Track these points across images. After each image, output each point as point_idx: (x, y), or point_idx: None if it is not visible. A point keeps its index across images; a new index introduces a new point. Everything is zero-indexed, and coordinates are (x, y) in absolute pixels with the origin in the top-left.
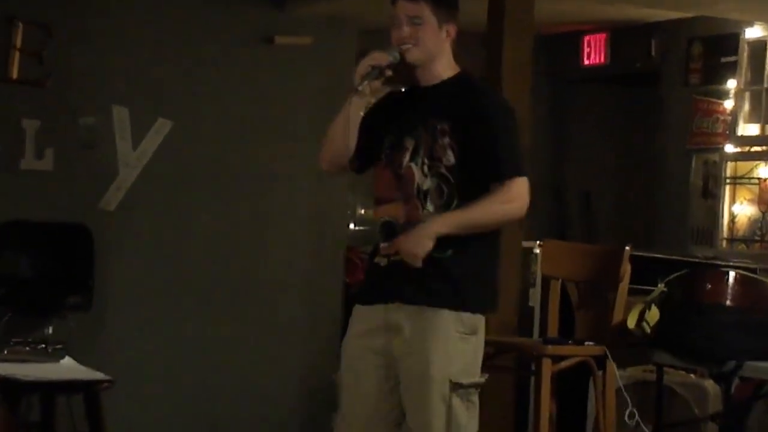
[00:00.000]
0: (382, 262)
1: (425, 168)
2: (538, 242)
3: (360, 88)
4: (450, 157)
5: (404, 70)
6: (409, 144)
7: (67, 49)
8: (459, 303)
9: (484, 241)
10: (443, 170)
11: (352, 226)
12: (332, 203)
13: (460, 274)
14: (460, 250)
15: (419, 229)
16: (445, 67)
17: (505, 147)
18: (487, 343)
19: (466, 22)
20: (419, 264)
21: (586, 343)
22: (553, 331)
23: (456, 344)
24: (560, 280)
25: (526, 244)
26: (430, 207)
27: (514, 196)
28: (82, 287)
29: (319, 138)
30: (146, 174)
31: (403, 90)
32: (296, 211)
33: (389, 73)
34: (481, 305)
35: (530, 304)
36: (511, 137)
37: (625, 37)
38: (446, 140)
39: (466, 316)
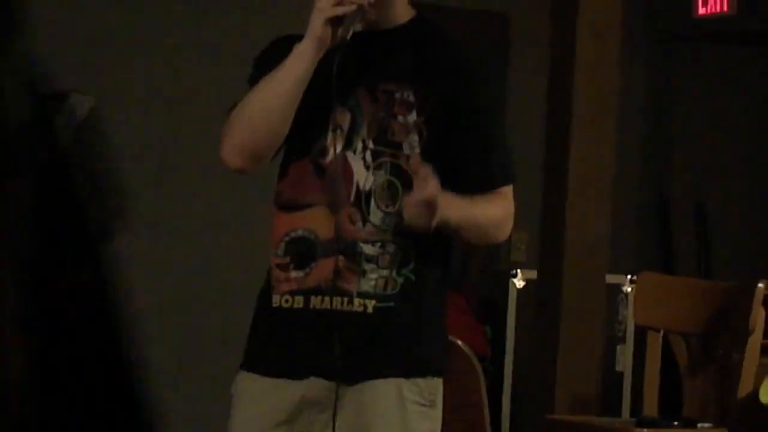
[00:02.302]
0: (293, 303)
1: (369, 157)
2: (629, 277)
3: (348, 37)
4: (413, 141)
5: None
6: (343, 120)
7: None
8: (413, 364)
9: (437, 272)
10: (402, 161)
11: None
12: None
13: (411, 325)
14: (411, 291)
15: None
16: (402, 6)
17: (498, 142)
18: (554, 427)
19: None
20: (430, 226)
21: (700, 425)
22: (651, 407)
23: (413, 424)
24: (662, 333)
25: (611, 278)
26: (374, 218)
27: (509, 211)
28: None
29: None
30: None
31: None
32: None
33: (372, 16)
34: (440, 364)
35: (618, 368)
36: (502, 124)
37: None
38: (410, 117)
39: (424, 382)
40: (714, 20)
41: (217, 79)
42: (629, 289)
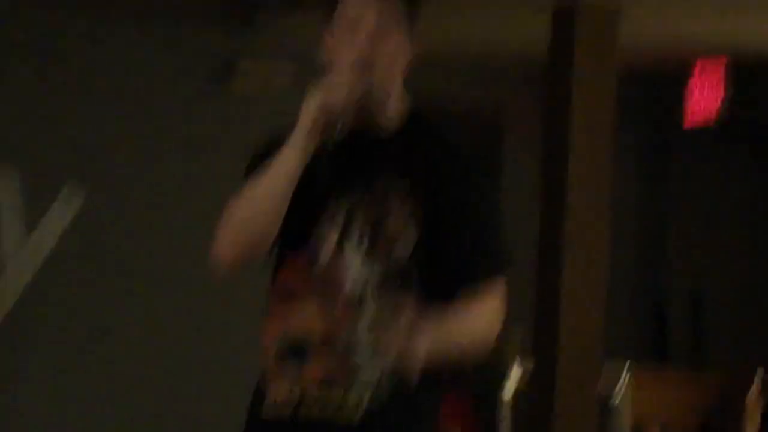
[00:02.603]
0: (281, 412)
1: (363, 255)
2: (625, 368)
3: (337, 135)
4: (410, 237)
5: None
6: (338, 214)
7: None
8: None
9: (430, 373)
10: (397, 258)
11: None
12: None
13: (404, 426)
14: (404, 391)
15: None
16: (397, 103)
17: (491, 232)
18: None
19: (513, 47)
20: (416, 372)
21: None
22: None
23: None
24: (659, 427)
25: (606, 371)
26: (369, 315)
27: (499, 306)
28: None
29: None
30: (49, 267)
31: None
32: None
33: (363, 111)
34: None
35: None
36: (497, 214)
37: (752, 70)
38: (405, 211)
39: None
40: (707, 118)
41: (212, 170)
42: (626, 381)
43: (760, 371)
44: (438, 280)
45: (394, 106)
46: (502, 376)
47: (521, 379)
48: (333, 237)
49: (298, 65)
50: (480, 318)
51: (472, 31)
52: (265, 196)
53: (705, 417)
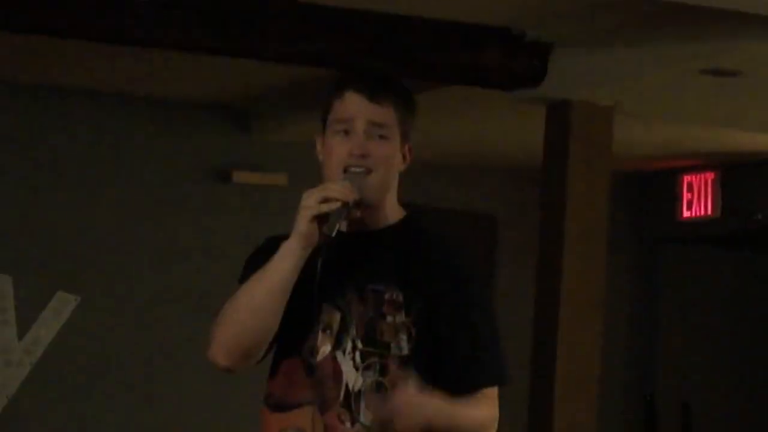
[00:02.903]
0: None
1: (358, 357)
2: None
3: (333, 234)
4: (403, 343)
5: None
6: (332, 319)
7: None
8: None
9: None
10: (391, 362)
11: None
12: None
13: None
14: None
15: (403, 396)
16: (392, 208)
17: (486, 341)
18: None
19: (506, 153)
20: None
21: None
22: None
23: None
24: None
25: None
26: (365, 419)
27: (493, 415)
28: None
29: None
30: (39, 374)
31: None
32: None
33: (358, 214)
34: None
35: None
36: (492, 324)
37: (741, 177)
38: (399, 317)
39: None
40: (698, 223)
41: (206, 278)
42: None
43: None
44: (431, 387)
45: (388, 210)
46: None
47: None
48: (327, 344)
49: (290, 174)
50: (477, 411)
51: (468, 130)
52: (260, 296)
53: None
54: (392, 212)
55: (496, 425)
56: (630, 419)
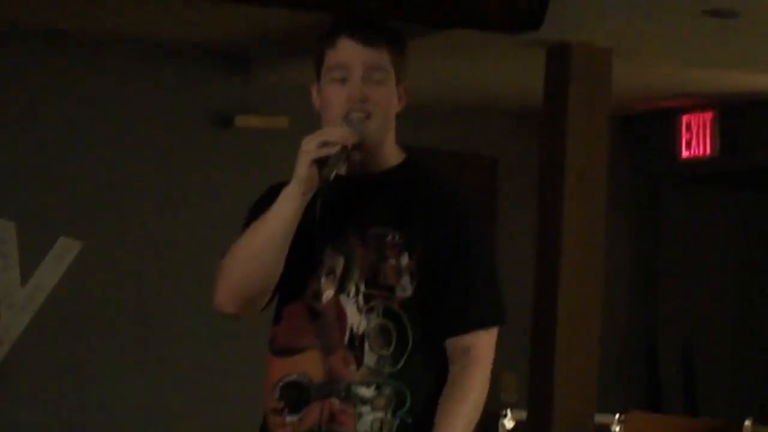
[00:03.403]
0: None
1: (361, 300)
2: (617, 416)
3: (331, 178)
4: (406, 285)
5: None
6: (336, 263)
7: None
8: None
9: (433, 414)
10: (393, 305)
11: None
12: None
13: None
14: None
15: None
16: (391, 150)
17: (484, 281)
18: None
19: (506, 96)
20: None
21: None
22: None
23: None
24: None
25: (599, 418)
26: (369, 360)
27: (485, 366)
28: None
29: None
30: (42, 319)
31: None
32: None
33: (357, 157)
34: None
35: None
36: (491, 264)
37: (740, 116)
38: (402, 259)
39: None
40: (697, 162)
41: (208, 224)
42: (618, 429)
43: (749, 422)
44: (431, 327)
45: (387, 152)
46: (495, 427)
47: (514, 430)
48: (330, 287)
49: (291, 117)
50: (472, 395)
51: (468, 73)
52: (262, 242)
53: None
54: (391, 154)
55: (485, 388)
56: (631, 361)
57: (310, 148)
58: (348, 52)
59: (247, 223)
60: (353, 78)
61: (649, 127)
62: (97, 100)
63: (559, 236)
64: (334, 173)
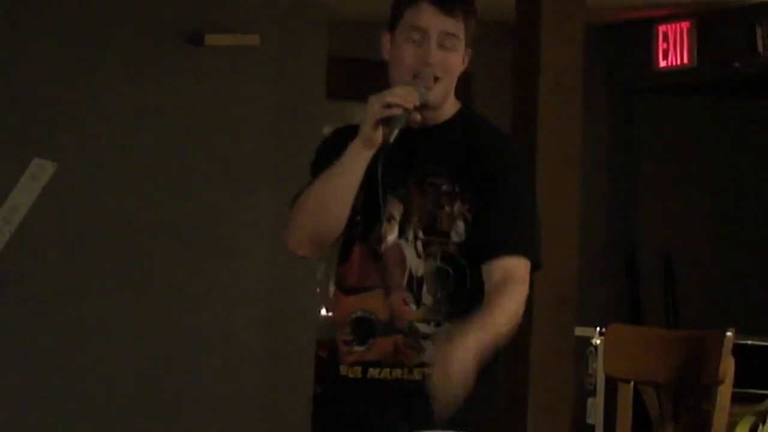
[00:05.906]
0: (354, 373)
1: (420, 246)
2: (598, 329)
3: (391, 139)
4: (460, 230)
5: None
6: (396, 210)
7: None
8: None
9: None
10: (450, 248)
11: (323, 311)
12: (294, 279)
13: (484, 396)
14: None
15: (457, 347)
16: (449, 103)
17: (523, 215)
18: None
19: (481, 10)
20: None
21: None
22: None
23: None
24: (632, 384)
25: (580, 331)
26: (426, 300)
27: (519, 305)
28: None
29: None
30: (17, 243)
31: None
32: (243, 292)
33: (418, 117)
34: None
35: (588, 420)
36: (532, 204)
37: (718, 25)
38: (456, 206)
39: None
40: (674, 72)
41: (180, 143)
42: (598, 342)
43: (730, 333)
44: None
45: (445, 108)
46: None
47: None
48: (391, 232)
49: (262, 35)
50: (504, 312)
51: None
52: (331, 193)
53: (677, 376)
54: (449, 107)
55: (521, 309)
56: (611, 272)
57: (375, 109)
58: (427, 18)
59: (315, 166)
60: (428, 43)
61: (626, 38)
62: (66, 19)
63: (534, 149)
64: (395, 134)
